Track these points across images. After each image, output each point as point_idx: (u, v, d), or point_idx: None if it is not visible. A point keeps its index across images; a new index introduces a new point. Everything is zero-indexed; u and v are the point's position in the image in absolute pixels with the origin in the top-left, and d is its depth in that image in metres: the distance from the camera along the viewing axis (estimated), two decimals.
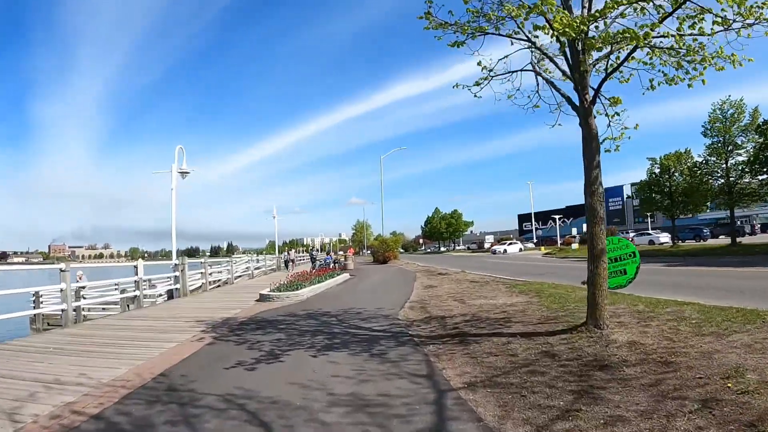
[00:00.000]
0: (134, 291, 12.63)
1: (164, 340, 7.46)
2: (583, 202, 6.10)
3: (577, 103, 6.20)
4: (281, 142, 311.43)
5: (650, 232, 45.21)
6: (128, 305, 16.47)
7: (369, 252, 57.79)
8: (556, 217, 66.46)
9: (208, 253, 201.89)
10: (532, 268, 24.37)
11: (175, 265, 14.68)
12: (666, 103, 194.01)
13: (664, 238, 38.87)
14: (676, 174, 33.19)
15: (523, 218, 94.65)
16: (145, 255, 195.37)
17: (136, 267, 12.52)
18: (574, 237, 56.28)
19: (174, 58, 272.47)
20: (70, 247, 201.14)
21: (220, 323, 9.02)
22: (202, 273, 17.05)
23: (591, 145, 6.02)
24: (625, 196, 76.78)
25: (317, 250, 47.47)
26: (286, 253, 30.83)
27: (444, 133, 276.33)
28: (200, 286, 16.96)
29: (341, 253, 33.82)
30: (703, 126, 28.81)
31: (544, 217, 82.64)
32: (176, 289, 14.65)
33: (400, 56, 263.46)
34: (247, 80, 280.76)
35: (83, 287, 16.49)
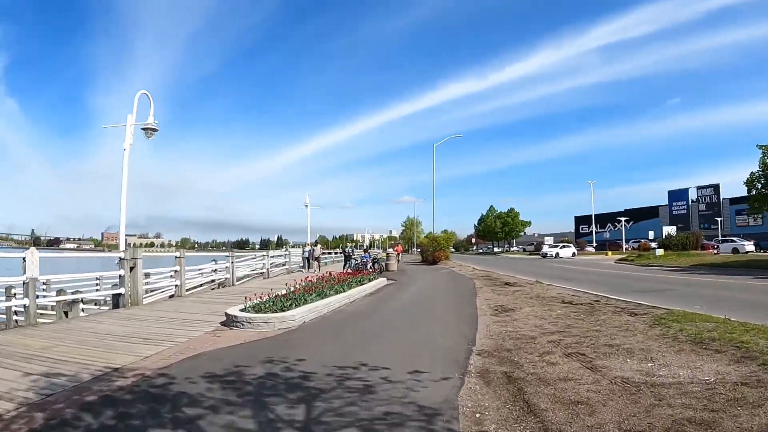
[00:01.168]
0: (23, 298, 7.94)
1: None
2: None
3: None
4: (334, 136, 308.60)
5: (734, 238, 39.62)
6: (65, 312, 12.21)
7: (418, 251, 52.63)
8: (623, 219, 59.40)
9: (258, 246, 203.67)
10: (621, 278, 18.35)
11: (120, 259, 10.01)
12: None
13: (749, 246, 35.35)
14: None
15: (580, 220, 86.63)
16: (196, 245, 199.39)
17: (24, 260, 7.74)
18: (646, 241, 48.69)
19: (228, 52, 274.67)
20: None
21: (66, 394, 4.10)
22: (176, 272, 12.44)
23: None
24: (690, 201, 68.74)
25: (355, 246, 42.26)
26: (308, 249, 25.30)
27: (500, 133, 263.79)
28: (174, 292, 12.40)
29: (390, 250, 28.02)
30: None
31: (602, 220, 75.01)
32: (121, 295, 10.02)
33: (456, 55, 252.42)
34: (299, 75, 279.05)
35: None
